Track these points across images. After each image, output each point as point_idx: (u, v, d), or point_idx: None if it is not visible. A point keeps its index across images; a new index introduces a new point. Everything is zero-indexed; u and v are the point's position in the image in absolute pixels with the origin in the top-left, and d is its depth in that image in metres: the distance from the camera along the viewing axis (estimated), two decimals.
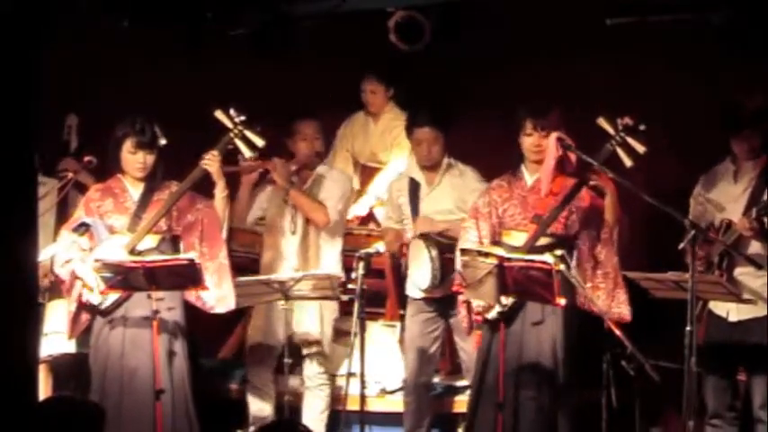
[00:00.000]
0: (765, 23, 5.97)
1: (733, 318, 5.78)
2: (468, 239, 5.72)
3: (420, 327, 6.34)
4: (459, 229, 6.02)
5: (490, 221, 5.73)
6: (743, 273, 5.76)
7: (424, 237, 6.20)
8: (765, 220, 5.66)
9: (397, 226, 6.52)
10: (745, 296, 5.61)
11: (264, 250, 6.56)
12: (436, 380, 6.65)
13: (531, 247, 5.48)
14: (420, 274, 6.20)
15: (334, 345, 6.60)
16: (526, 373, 5.53)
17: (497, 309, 5.49)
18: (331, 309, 6.49)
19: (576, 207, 5.61)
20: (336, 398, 6.55)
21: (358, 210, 7.35)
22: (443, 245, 6.14)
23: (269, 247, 6.53)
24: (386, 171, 7.26)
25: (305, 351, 6.43)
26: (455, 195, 6.31)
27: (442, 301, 6.26)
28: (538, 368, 5.53)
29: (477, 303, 5.57)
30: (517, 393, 5.53)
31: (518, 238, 5.62)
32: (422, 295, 6.31)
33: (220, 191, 5.99)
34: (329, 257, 6.47)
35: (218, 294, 5.81)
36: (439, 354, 6.48)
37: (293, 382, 6.40)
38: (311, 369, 6.48)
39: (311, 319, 6.41)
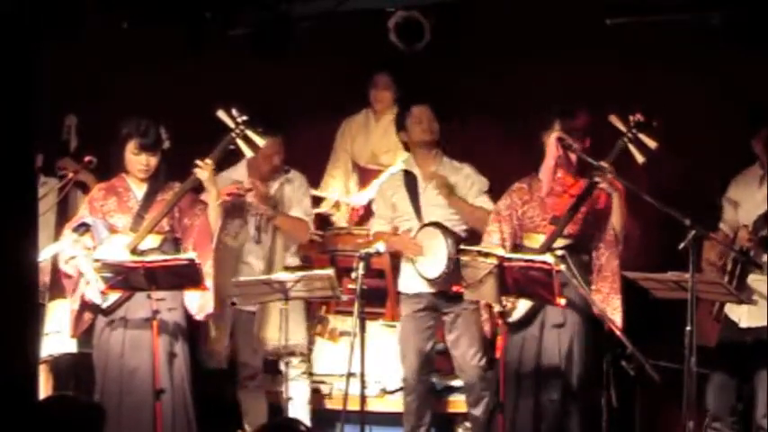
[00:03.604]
0: (765, 23, 5.96)
1: (744, 324, 5.80)
2: (492, 242, 5.73)
3: (415, 324, 6.30)
4: (466, 209, 6.06)
5: (511, 223, 5.75)
6: (756, 279, 5.76)
7: (440, 225, 6.15)
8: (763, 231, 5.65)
9: (386, 228, 6.43)
10: (751, 298, 5.61)
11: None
12: (434, 380, 6.64)
13: (547, 249, 5.47)
14: (432, 261, 6.14)
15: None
16: (547, 375, 5.53)
17: (516, 314, 5.47)
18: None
19: (591, 208, 5.60)
20: (326, 397, 6.60)
21: (357, 199, 7.24)
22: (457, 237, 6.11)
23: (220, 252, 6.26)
24: (394, 168, 7.17)
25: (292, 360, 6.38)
26: (451, 182, 6.26)
27: (435, 296, 6.20)
28: (558, 370, 5.53)
29: (498, 308, 5.53)
30: (537, 395, 5.52)
31: (537, 240, 5.63)
32: (416, 291, 6.26)
33: (213, 200, 5.93)
34: (289, 255, 6.46)
35: (199, 303, 5.82)
36: (435, 351, 6.43)
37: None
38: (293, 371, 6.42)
39: (297, 329, 6.36)
